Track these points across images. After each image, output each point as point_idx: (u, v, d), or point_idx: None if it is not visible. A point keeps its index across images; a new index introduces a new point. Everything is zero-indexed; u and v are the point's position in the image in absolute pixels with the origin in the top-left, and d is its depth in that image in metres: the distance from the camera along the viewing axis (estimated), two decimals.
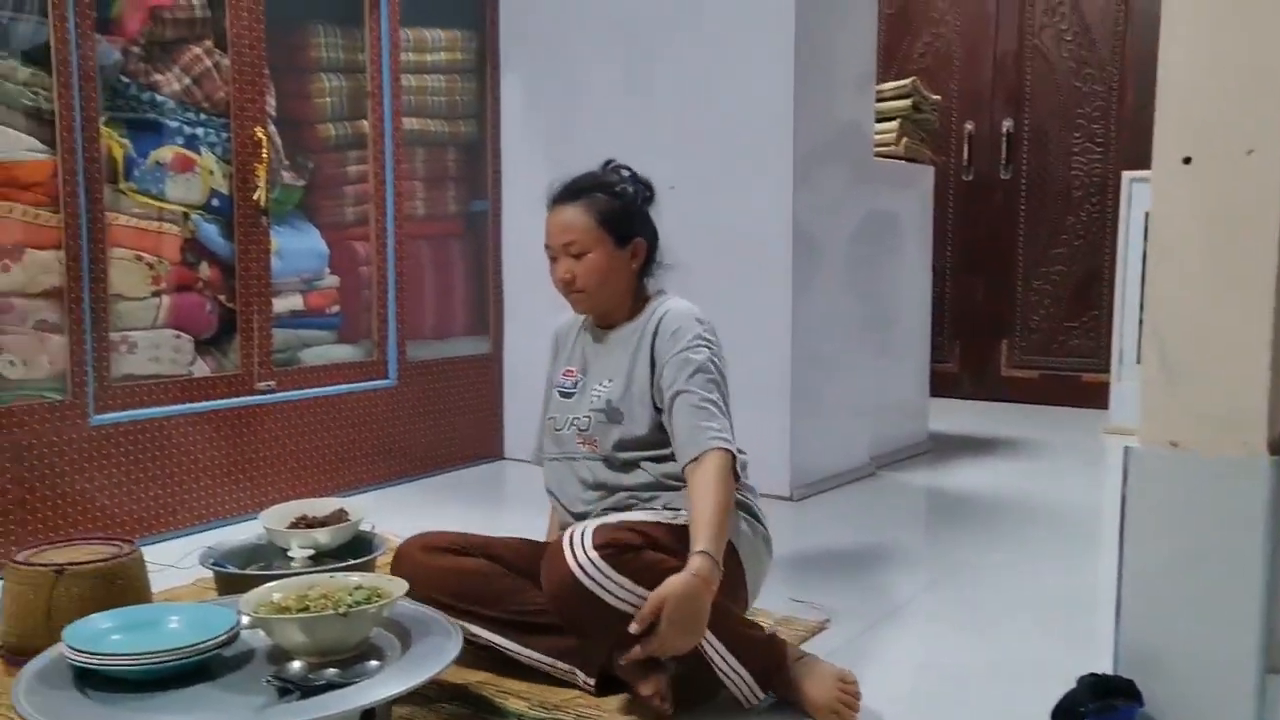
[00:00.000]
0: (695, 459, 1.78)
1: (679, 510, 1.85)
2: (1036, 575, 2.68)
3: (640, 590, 1.65)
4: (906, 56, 5.63)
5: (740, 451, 1.86)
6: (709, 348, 1.90)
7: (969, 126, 5.50)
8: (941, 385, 5.23)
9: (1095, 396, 5.02)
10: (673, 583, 1.63)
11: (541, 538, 2.11)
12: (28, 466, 2.69)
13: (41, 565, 1.97)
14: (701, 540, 1.68)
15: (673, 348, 1.89)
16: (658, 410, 1.91)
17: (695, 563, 1.65)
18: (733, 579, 1.81)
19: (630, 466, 1.93)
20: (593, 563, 1.64)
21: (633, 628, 1.62)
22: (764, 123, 3.37)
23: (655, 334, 1.93)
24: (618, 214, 1.96)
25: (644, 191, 2.03)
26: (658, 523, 1.80)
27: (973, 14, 5.48)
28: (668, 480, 1.91)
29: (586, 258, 1.94)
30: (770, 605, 2.33)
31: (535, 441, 2.14)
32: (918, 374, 4.34)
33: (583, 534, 1.68)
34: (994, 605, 2.44)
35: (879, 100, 4.01)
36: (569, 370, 2.06)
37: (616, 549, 1.66)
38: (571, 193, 1.98)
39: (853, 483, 3.69)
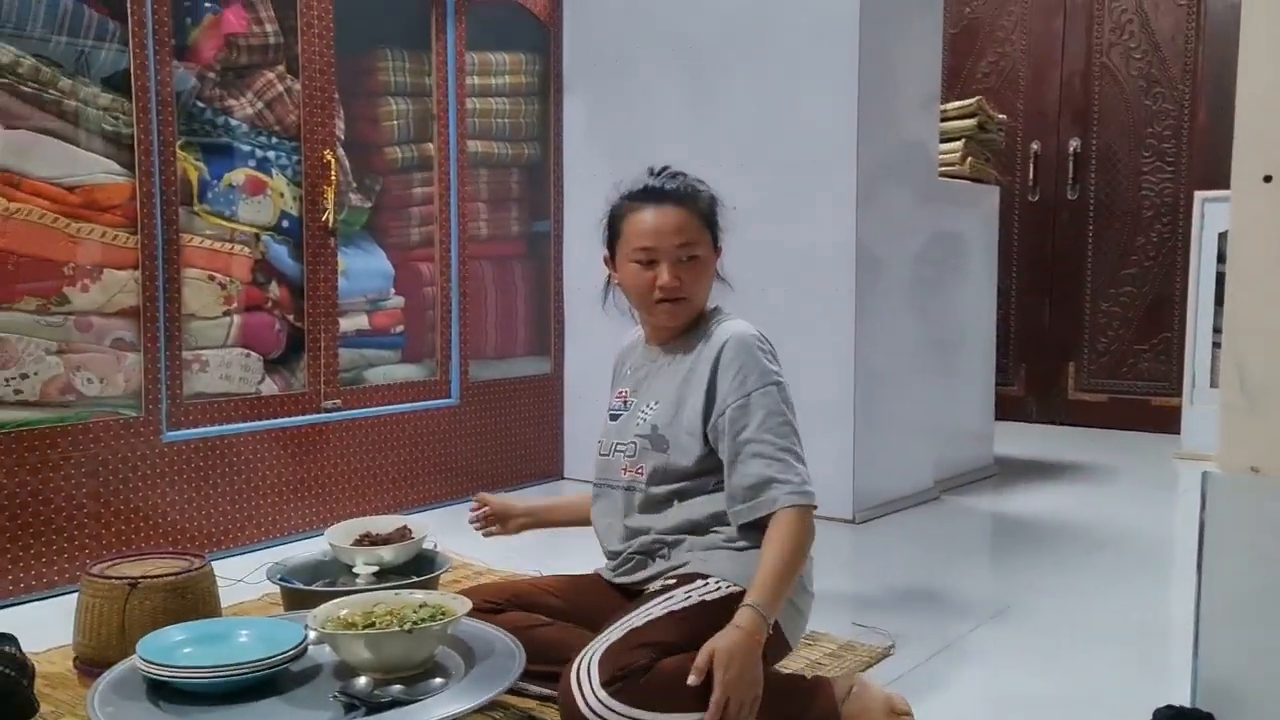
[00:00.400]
0: (771, 515, 1.71)
1: (696, 582, 1.73)
2: (1108, 603, 2.61)
3: (662, 716, 1.54)
4: (970, 76, 5.58)
5: None
6: (778, 385, 1.80)
7: (1035, 146, 5.42)
8: (1007, 408, 5.15)
9: (1166, 421, 4.91)
10: (718, 637, 1.57)
11: (590, 565, 2.04)
12: (103, 481, 2.75)
13: (115, 578, 2.01)
14: (754, 594, 1.63)
15: (739, 388, 1.77)
16: (706, 443, 1.81)
17: (741, 615, 1.61)
18: (772, 640, 1.69)
19: (661, 505, 1.85)
20: (603, 703, 1.52)
21: (691, 679, 1.54)
22: (827, 143, 3.36)
23: (716, 365, 1.81)
24: (713, 216, 1.90)
25: None
26: (669, 614, 1.67)
27: (1039, 32, 5.41)
28: (696, 521, 1.82)
29: (697, 261, 1.84)
30: (833, 629, 2.30)
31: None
32: (983, 397, 4.28)
33: (589, 668, 1.57)
34: (1064, 634, 2.38)
35: (943, 120, 3.98)
36: (620, 392, 1.98)
37: (625, 680, 1.54)
38: (672, 194, 1.86)
39: (916, 506, 3.64)
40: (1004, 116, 4.53)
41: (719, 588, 1.72)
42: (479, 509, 2.18)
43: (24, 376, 2.63)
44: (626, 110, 3.84)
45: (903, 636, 2.30)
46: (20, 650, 1.61)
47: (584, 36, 3.96)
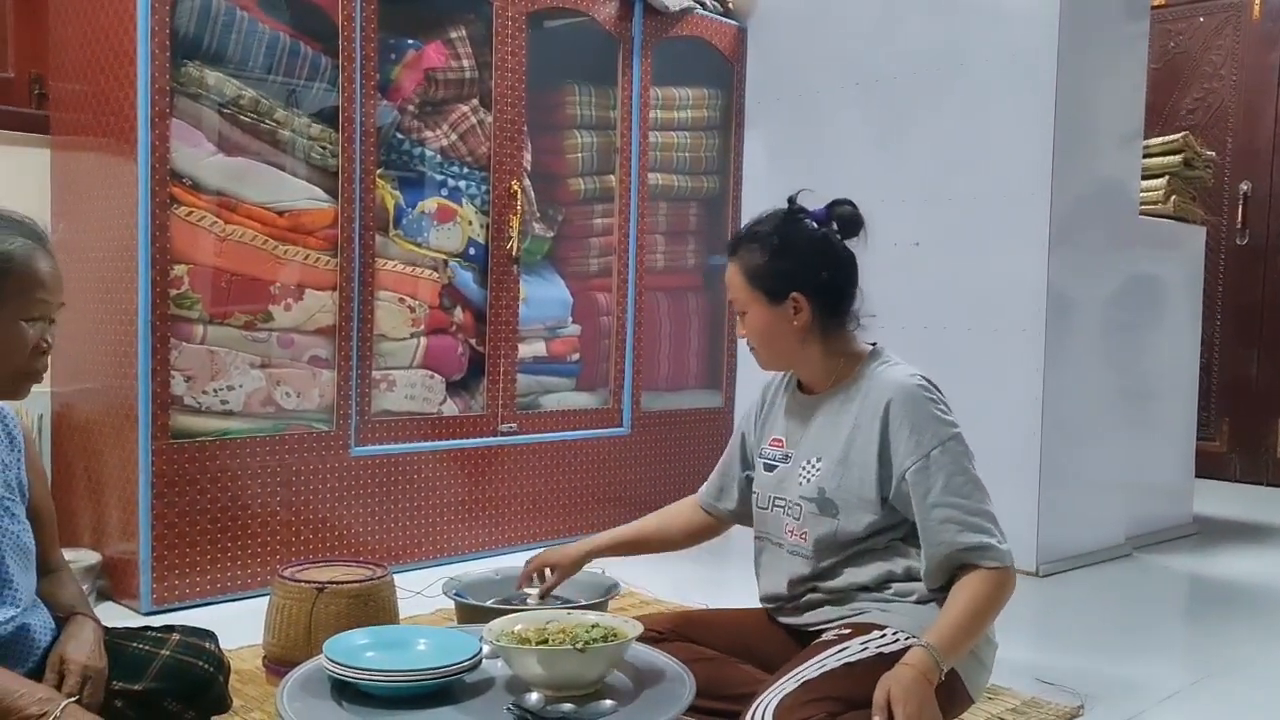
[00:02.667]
0: (965, 568, 1.63)
1: (873, 633, 1.65)
2: None
3: None
4: (1173, 113, 5.29)
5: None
6: (955, 439, 1.68)
7: (1245, 186, 5.09)
8: (1207, 465, 4.81)
9: None
10: (889, 675, 1.51)
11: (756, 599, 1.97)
12: (295, 491, 2.89)
13: (305, 582, 2.10)
14: (931, 636, 1.56)
15: (915, 449, 1.66)
16: (881, 509, 1.71)
17: (913, 654, 1.54)
18: (954, 691, 1.63)
19: (830, 572, 1.76)
20: None
21: (875, 718, 1.49)
22: (1020, 180, 3.24)
23: (885, 425, 1.69)
24: (765, 269, 1.75)
25: (810, 231, 1.76)
26: (845, 665, 1.60)
27: (1252, 67, 5.09)
28: (865, 584, 1.73)
29: (746, 318, 1.79)
30: (1015, 684, 2.18)
31: (710, 485, 2.02)
32: (1181, 451, 4.01)
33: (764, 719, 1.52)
34: (1271, 711, 2.18)
35: (1146, 155, 3.78)
36: (777, 440, 1.87)
37: None
38: (731, 246, 1.82)
39: (1106, 562, 3.43)
40: (1212, 154, 4.28)
41: (897, 639, 1.64)
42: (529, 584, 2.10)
43: (230, 388, 2.80)
44: (808, 144, 3.81)
45: (1090, 697, 2.16)
46: (219, 647, 1.69)
47: (768, 71, 3.96)
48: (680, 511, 2.09)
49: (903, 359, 1.79)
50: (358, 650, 1.58)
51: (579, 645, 1.54)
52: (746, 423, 1.97)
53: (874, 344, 1.81)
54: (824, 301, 1.76)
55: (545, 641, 1.57)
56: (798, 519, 1.77)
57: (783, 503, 1.81)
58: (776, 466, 1.84)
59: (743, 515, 1.98)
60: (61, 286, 1.49)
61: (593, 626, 1.63)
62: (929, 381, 1.73)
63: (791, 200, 1.81)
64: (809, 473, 1.77)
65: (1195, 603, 3.20)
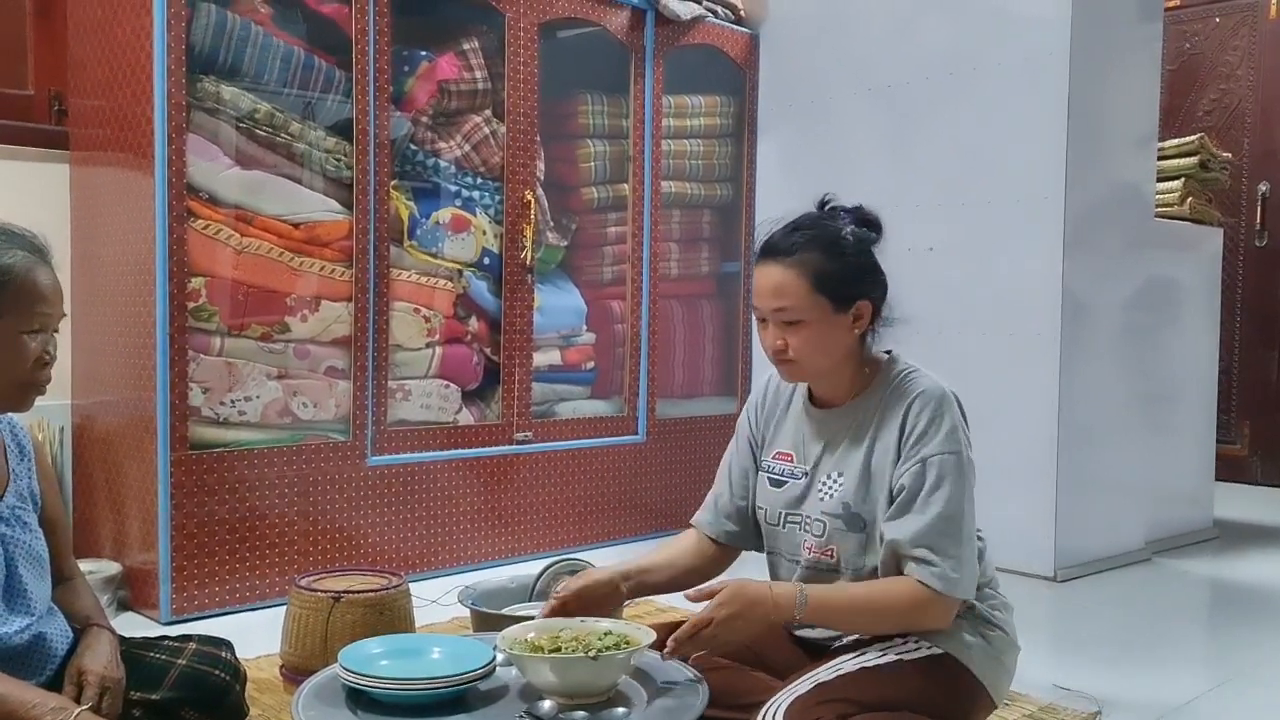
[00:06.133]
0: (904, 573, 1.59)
1: (895, 640, 1.63)
2: None
3: None
4: (1190, 115, 5.26)
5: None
6: (957, 455, 1.60)
7: (1263, 187, 5.05)
8: (1228, 468, 4.77)
9: None
10: (743, 580, 1.57)
11: None
12: (312, 500, 2.91)
13: (322, 591, 2.12)
14: (816, 590, 1.59)
15: (915, 453, 1.61)
16: None
17: (781, 585, 1.60)
18: (974, 692, 1.64)
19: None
20: None
21: (690, 593, 1.58)
22: (1034, 184, 3.23)
23: (904, 428, 1.64)
24: (836, 274, 1.64)
25: (868, 236, 1.69)
26: (861, 669, 1.58)
27: (1270, 67, 5.06)
28: None
29: (799, 327, 1.64)
30: (1032, 690, 2.17)
31: (708, 511, 1.89)
32: (1201, 455, 3.99)
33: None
34: None
35: (1161, 158, 3.76)
36: (783, 453, 1.80)
37: None
38: (781, 248, 1.66)
39: (1124, 567, 3.41)
40: (1228, 155, 4.25)
41: (919, 647, 1.62)
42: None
43: (248, 399, 2.82)
44: (821, 150, 3.81)
45: (1109, 703, 2.14)
46: (235, 656, 1.71)
47: (779, 78, 3.97)
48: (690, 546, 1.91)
49: (920, 365, 1.74)
50: (372, 659, 1.59)
51: (592, 653, 1.54)
52: (748, 427, 1.90)
53: (889, 351, 1.76)
54: (878, 308, 1.70)
55: (558, 649, 1.58)
56: (820, 535, 1.72)
57: (798, 519, 1.76)
58: (786, 482, 1.79)
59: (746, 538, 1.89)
60: (62, 299, 1.51)
61: (605, 634, 1.64)
62: (953, 395, 1.68)
63: (827, 203, 1.74)
64: (831, 488, 1.72)
65: (1215, 608, 3.18)
